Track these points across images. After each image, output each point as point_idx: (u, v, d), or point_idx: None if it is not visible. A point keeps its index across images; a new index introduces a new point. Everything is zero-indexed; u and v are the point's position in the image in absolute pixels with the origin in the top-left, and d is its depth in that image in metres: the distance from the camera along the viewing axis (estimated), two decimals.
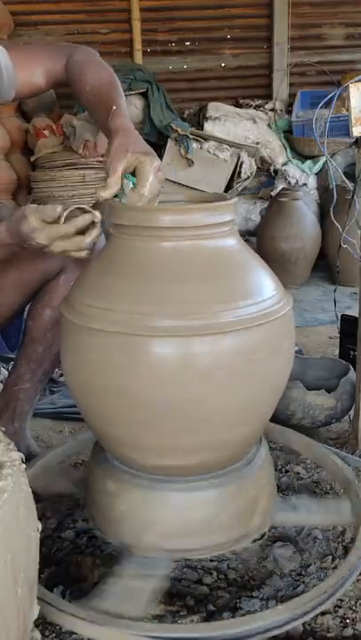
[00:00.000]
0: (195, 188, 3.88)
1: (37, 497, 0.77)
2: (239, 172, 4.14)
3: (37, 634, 0.82)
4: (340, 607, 1.10)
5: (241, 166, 4.12)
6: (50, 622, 1.04)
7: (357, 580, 1.12)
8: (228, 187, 4.16)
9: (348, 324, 2.11)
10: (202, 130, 4.24)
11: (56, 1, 4.69)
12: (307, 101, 4.49)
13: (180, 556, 1.11)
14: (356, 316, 1.71)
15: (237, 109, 4.45)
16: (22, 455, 0.71)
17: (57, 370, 1.99)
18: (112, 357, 0.96)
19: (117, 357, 0.96)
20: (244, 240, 1.09)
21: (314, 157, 4.15)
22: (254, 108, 4.56)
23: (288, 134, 4.35)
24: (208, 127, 4.26)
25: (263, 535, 1.24)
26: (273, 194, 3.99)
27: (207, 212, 1.00)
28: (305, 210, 3.44)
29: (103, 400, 1.01)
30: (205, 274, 0.98)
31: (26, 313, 1.46)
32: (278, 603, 1.10)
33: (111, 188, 1.08)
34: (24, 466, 0.71)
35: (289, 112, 4.59)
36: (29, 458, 1.39)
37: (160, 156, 4.10)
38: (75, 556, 1.23)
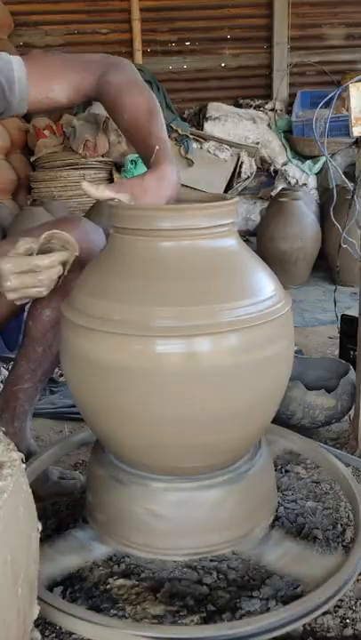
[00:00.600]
0: (195, 188, 3.89)
1: (37, 497, 0.77)
2: (239, 172, 4.14)
3: (37, 634, 0.82)
4: (340, 607, 1.10)
5: (241, 166, 4.12)
6: (50, 622, 1.04)
7: (357, 580, 1.12)
8: (229, 187, 4.17)
9: (348, 324, 2.11)
10: (202, 130, 4.25)
11: (56, 1, 4.70)
12: (307, 101, 4.49)
13: (183, 555, 1.11)
14: (357, 315, 1.71)
15: (237, 109, 4.45)
16: (22, 455, 0.71)
17: (57, 370, 1.99)
18: (112, 358, 0.96)
19: (117, 358, 0.96)
20: (244, 240, 1.09)
21: (314, 157, 4.15)
22: (254, 108, 4.56)
23: (288, 134, 4.35)
24: (208, 127, 4.27)
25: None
26: (273, 194, 3.99)
27: (207, 213, 1.00)
28: (305, 210, 3.44)
29: (103, 400, 1.01)
30: (205, 274, 0.98)
31: (25, 313, 1.46)
32: (278, 603, 1.10)
33: (107, 193, 1.04)
34: (24, 466, 0.71)
35: (289, 112, 4.60)
36: (29, 458, 1.39)
37: None
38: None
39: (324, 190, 4.09)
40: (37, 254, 1.04)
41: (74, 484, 1.44)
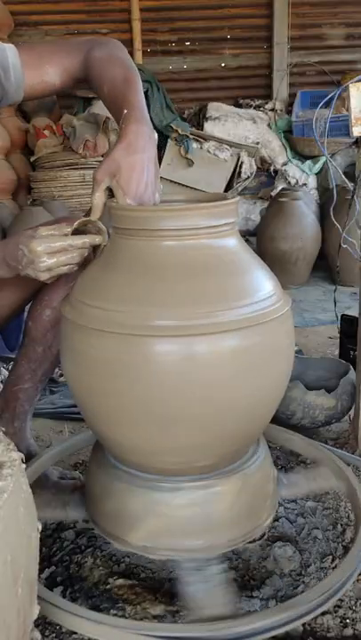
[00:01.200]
0: (195, 188, 3.89)
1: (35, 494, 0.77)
2: (239, 172, 4.14)
3: (37, 634, 0.82)
4: (340, 607, 1.10)
5: (241, 166, 4.12)
6: (50, 622, 1.05)
7: (357, 580, 1.12)
8: (229, 187, 4.17)
9: (348, 323, 2.11)
10: (202, 130, 4.24)
11: (56, 1, 4.69)
12: (307, 101, 4.49)
13: (187, 555, 1.11)
14: (357, 315, 1.71)
15: (237, 109, 4.45)
16: (22, 455, 0.71)
17: (57, 370, 1.99)
18: (112, 357, 0.96)
19: (117, 357, 0.96)
20: (244, 240, 1.09)
21: (314, 157, 4.15)
22: (254, 108, 4.56)
23: (288, 134, 4.35)
24: (208, 127, 4.27)
25: (263, 535, 1.25)
26: (273, 194, 3.99)
27: (208, 213, 1.00)
28: (305, 210, 3.44)
29: (103, 400, 1.01)
30: (205, 273, 0.98)
31: (26, 313, 1.46)
32: (278, 603, 1.10)
33: (97, 208, 1.07)
34: (24, 466, 0.71)
35: (289, 112, 4.59)
36: (29, 458, 1.39)
37: (160, 156, 4.10)
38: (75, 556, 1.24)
39: (324, 190, 4.09)
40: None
41: (74, 484, 1.44)
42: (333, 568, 1.19)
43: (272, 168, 4.29)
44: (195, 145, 4.05)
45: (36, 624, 0.86)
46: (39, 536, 0.75)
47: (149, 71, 4.45)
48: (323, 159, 4.07)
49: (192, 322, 0.93)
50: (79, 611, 0.96)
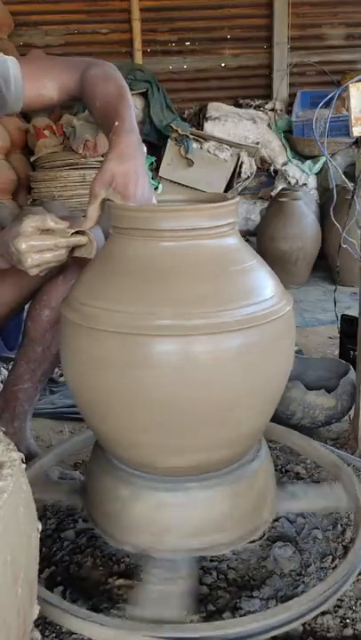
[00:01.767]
0: (195, 188, 3.88)
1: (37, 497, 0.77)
2: (239, 172, 4.14)
3: (37, 634, 0.82)
4: (340, 607, 1.10)
5: (241, 166, 4.12)
6: (50, 622, 1.04)
7: (357, 580, 1.12)
8: (229, 187, 4.17)
9: (348, 323, 2.11)
10: (202, 130, 4.24)
11: (56, 1, 4.69)
12: (307, 101, 4.49)
13: (189, 555, 1.10)
14: (357, 315, 1.71)
15: (237, 109, 4.45)
16: (22, 455, 0.71)
17: (57, 370, 1.99)
18: (112, 357, 0.96)
19: (117, 357, 0.96)
20: (244, 240, 1.09)
21: (314, 157, 4.15)
22: (254, 108, 4.56)
23: (288, 134, 4.35)
24: (208, 127, 4.27)
25: (263, 535, 1.24)
26: (273, 194, 3.99)
27: (208, 214, 1.00)
28: (305, 210, 3.44)
29: (103, 400, 1.01)
30: (206, 273, 0.98)
31: (25, 313, 1.46)
32: (278, 603, 1.10)
33: (91, 219, 1.09)
34: (24, 466, 0.71)
35: (289, 112, 4.59)
36: (29, 458, 1.39)
37: (160, 156, 4.11)
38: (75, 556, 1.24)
39: (324, 190, 4.09)
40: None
41: (75, 484, 1.44)
42: (333, 568, 1.19)
43: (272, 168, 4.28)
44: (195, 145, 4.04)
45: (36, 624, 0.86)
46: (39, 536, 0.75)
47: (149, 71, 4.45)
48: (323, 159, 4.07)
49: (192, 322, 0.93)
50: (79, 612, 0.96)
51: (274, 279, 1.06)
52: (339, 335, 2.20)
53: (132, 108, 1.20)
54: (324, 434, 1.75)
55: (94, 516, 1.15)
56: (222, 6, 4.77)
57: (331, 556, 1.23)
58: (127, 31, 4.71)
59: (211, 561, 1.21)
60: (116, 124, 1.13)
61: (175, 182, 4.05)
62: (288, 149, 4.28)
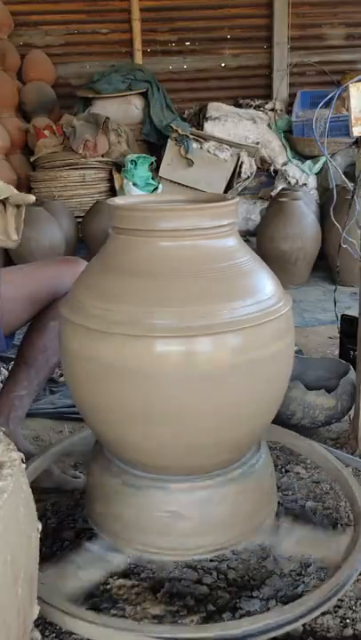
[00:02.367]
0: (195, 188, 3.88)
1: (37, 497, 0.77)
2: (239, 172, 4.14)
3: (37, 634, 0.82)
4: (340, 607, 1.10)
5: (241, 166, 4.12)
6: (50, 622, 1.04)
7: (357, 580, 1.12)
8: (229, 187, 4.17)
9: (348, 323, 2.11)
10: (202, 130, 4.24)
11: (56, 1, 4.69)
12: (307, 101, 4.49)
13: (189, 555, 1.10)
14: (357, 315, 1.71)
15: (237, 109, 4.45)
16: (22, 455, 0.71)
17: (57, 370, 1.99)
18: (112, 357, 0.96)
19: (117, 357, 0.96)
20: (244, 240, 1.09)
21: (314, 157, 4.15)
22: (254, 108, 4.56)
23: (288, 134, 4.35)
24: (208, 127, 4.27)
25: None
26: (273, 194, 3.99)
27: (208, 214, 1.00)
28: (305, 210, 3.43)
29: (103, 400, 1.01)
30: (205, 273, 0.98)
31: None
32: (278, 603, 1.10)
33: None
34: (24, 466, 0.71)
35: (289, 112, 4.59)
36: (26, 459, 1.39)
37: (160, 156, 4.10)
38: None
39: (324, 190, 4.09)
40: None
41: (78, 482, 1.44)
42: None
43: (272, 168, 4.28)
44: (195, 145, 4.05)
45: (36, 624, 0.86)
46: (39, 536, 0.75)
47: (149, 71, 4.45)
48: (323, 159, 4.07)
49: (192, 322, 0.93)
50: (79, 612, 0.96)
51: (273, 279, 1.06)
52: (339, 335, 2.20)
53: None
54: (324, 434, 1.75)
55: (94, 516, 1.15)
56: (222, 6, 4.77)
57: None
58: (127, 31, 4.72)
59: (211, 561, 1.21)
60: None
61: (175, 182, 4.05)
62: (288, 149, 4.28)
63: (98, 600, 1.12)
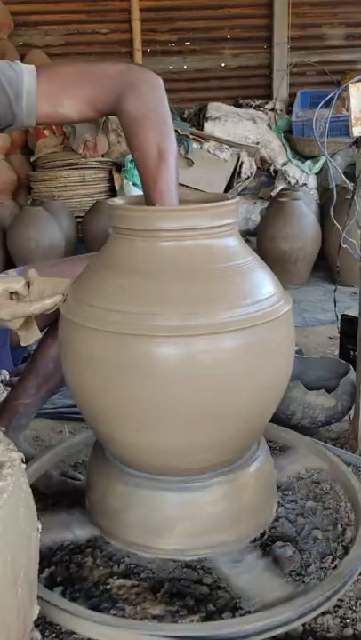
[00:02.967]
0: (195, 188, 3.88)
1: (38, 496, 0.77)
2: (239, 172, 4.14)
3: (37, 634, 0.82)
4: (340, 607, 1.10)
5: (241, 166, 4.12)
6: (50, 622, 1.04)
7: (357, 580, 1.12)
8: (229, 187, 4.17)
9: (348, 323, 2.11)
10: (202, 130, 4.24)
11: (56, 1, 4.69)
12: (307, 101, 4.49)
13: (188, 555, 1.10)
14: (357, 315, 1.71)
15: (237, 109, 4.45)
16: (22, 455, 0.71)
17: None
18: (112, 358, 0.96)
19: (117, 358, 0.96)
20: (244, 240, 1.09)
21: (314, 157, 4.15)
22: (254, 108, 4.56)
23: (288, 134, 4.35)
24: (208, 127, 4.27)
25: (263, 534, 1.24)
26: (273, 194, 3.99)
27: (208, 214, 1.00)
28: (305, 210, 3.44)
29: (103, 400, 1.01)
30: (206, 274, 0.98)
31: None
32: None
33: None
34: (24, 466, 0.71)
35: (289, 112, 4.59)
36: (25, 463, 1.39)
37: None
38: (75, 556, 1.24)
39: (324, 190, 4.09)
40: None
41: (79, 485, 1.44)
42: (333, 568, 1.19)
43: (272, 168, 4.29)
44: (195, 145, 4.05)
45: (36, 624, 0.86)
46: (39, 536, 0.75)
47: None
48: (323, 159, 4.07)
49: (192, 322, 0.93)
50: (79, 611, 0.96)
51: (273, 279, 1.06)
52: (339, 335, 2.20)
53: (173, 165, 1.12)
54: (324, 434, 1.75)
55: (94, 516, 1.15)
56: (222, 6, 4.77)
57: (331, 556, 1.23)
58: (127, 31, 4.72)
59: (211, 561, 1.21)
60: (151, 192, 1.09)
61: None
62: (288, 149, 4.28)
63: (98, 600, 1.13)
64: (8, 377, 2.03)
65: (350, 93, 1.45)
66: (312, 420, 1.68)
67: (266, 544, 1.25)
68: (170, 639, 0.91)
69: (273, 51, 4.80)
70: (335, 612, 1.09)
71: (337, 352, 2.22)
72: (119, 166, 4.13)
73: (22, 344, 1.13)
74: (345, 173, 3.03)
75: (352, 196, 1.90)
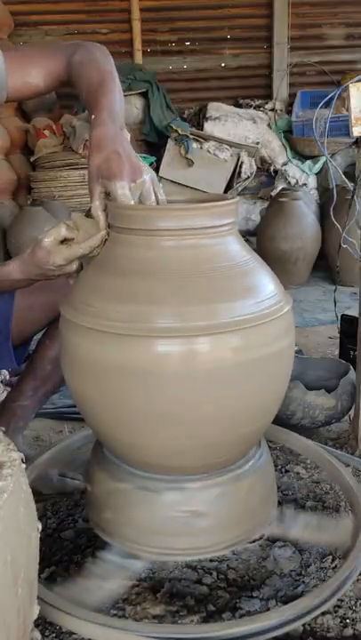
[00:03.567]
0: (195, 188, 3.88)
1: (37, 497, 0.77)
2: (239, 172, 4.14)
3: (37, 634, 0.82)
4: (340, 607, 1.10)
5: (241, 166, 4.12)
6: (50, 622, 1.04)
7: (357, 580, 1.12)
8: (229, 187, 4.16)
9: (348, 323, 2.11)
10: (202, 130, 4.24)
11: (56, 1, 4.69)
12: (307, 101, 4.49)
13: (187, 555, 1.10)
14: (357, 315, 1.71)
15: (237, 109, 4.45)
16: (22, 455, 0.71)
17: None
18: (112, 358, 0.96)
19: (118, 358, 0.96)
20: (244, 240, 1.09)
21: (314, 157, 4.15)
22: (254, 108, 4.56)
23: (288, 134, 4.35)
24: (208, 127, 4.27)
25: (263, 535, 1.24)
26: (273, 194, 3.99)
27: (209, 213, 1.00)
28: (305, 210, 3.44)
29: (103, 401, 1.01)
30: (206, 274, 0.98)
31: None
32: (278, 603, 1.10)
33: (101, 219, 1.06)
34: (24, 466, 0.71)
35: (289, 112, 4.59)
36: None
37: (160, 156, 4.11)
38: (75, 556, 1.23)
39: (324, 190, 4.08)
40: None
41: (78, 485, 1.44)
42: (333, 568, 1.19)
43: (272, 168, 4.28)
44: (195, 145, 4.04)
45: (36, 624, 0.86)
46: (39, 536, 0.75)
47: (149, 71, 4.45)
48: (323, 159, 4.07)
49: (193, 322, 0.93)
50: (79, 612, 0.96)
51: (273, 279, 1.06)
52: (339, 335, 2.20)
53: (115, 91, 1.16)
54: (324, 434, 1.75)
55: (94, 516, 1.15)
56: (222, 6, 4.77)
57: (331, 556, 1.23)
58: (127, 31, 4.71)
59: (211, 561, 1.21)
60: (93, 116, 1.11)
61: (175, 182, 4.05)
62: (288, 149, 4.28)
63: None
64: (8, 377, 2.03)
65: (350, 93, 1.45)
66: (312, 420, 1.68)
67: (266, 544, 1.25)
68: (170, 639, 0.91)
69: (273, 51, 4.80)
70: (335, 612, 1.09)
71: (337, 352, 2.22)
72: None
73: None
74: (345, 173, 3.03)
75: (352, 196, 1.90)
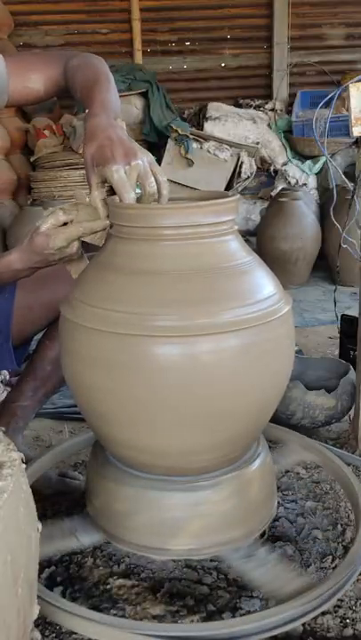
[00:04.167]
0: (195, 188, 3.88)
1: (37, 497, 0.77)
2: (239, 172, 4.14)
3: (37, 634, 0.82)
4: (340, 607, 1.10)
5: (241, 166, 4.12)
6: (50, 622, 1.04)
7: (357, 580, 1.12)
8: (229, 187, 4.16)
9: (348, 323, 2.11)
10: (202, 130, 4.24)
11: (56, 1, 4.69)
12: (307, 101, 4.49)
13: (199, 555, 1.10)
14: (357, 315, 1.71)
15: (237, 109, 4.44)
16: (22, 455, 0.71)
17: None
18: (112, 358, 0.96)
19: (118, 358, 0.95)
20: (244, 240, 1.09)
21: (314, 157, 4.15)
22: (254, 108, 4.56)
23: (288, 134, 4.35)
24: (208, 127, 4.26)
25: (264, 534, 1.24)
26: (273, 194, 3.99)
27: (208, 210, 1.00)
28: (305, 210, 3.44)
29: (103, 400, 1.01)
30: (206, 273, 0.98)
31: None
32: (278, 603, 1.10)
33: (101, 208, 1.06)
34: (24, 466, 0.71)
35: (289, 112, 4.59)
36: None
37: (160, 156, 4.11)
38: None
39: (324, 190, 4.08)
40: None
41: (78, 485, 1.44)
42: (333, 568, 1.19)
43: (272, 168, 4.28)
44: (195, 145, 4.04)
45: (36, 624, 0.86)
46: (39, 536, 0.75)
47: (149, 71, 4.44)
48: (323, 159, 4.07)
49: (193, 322, 0.93)
50: (79, 611, 0.96)
51: (273, 279, 1.06)
52: (339, 335, 2.20)
53: (110, 89, 1.18)
54: (324, 434, 1.75)
55: (94, 516, 1.15)
56: (222, 6, 4.76)
57: (331, 556, 1.23)
58: (127, 31, 4.71)
59: (211, 561, 1.21)
60: (87, 111, 1.13)
61: (175, 182, 4.05)
62: (288, 149, 4.27)
63: (98, 600, 1.13)
64: (8, 377, 2.03)
65: (350, 93, 1.45)
66: (312, 420, 1.68)
67: (266, 544, 1.25)
68: (170, 639, 0.91)
69: (273, 51, 4.79)
70: (335, 612, 1.09)
71: (337, 352, 2.22)
72: None
73: (73, 276, 1.13)
74: (345, 173, 3.03)
75: (352, 196, 1.90)
